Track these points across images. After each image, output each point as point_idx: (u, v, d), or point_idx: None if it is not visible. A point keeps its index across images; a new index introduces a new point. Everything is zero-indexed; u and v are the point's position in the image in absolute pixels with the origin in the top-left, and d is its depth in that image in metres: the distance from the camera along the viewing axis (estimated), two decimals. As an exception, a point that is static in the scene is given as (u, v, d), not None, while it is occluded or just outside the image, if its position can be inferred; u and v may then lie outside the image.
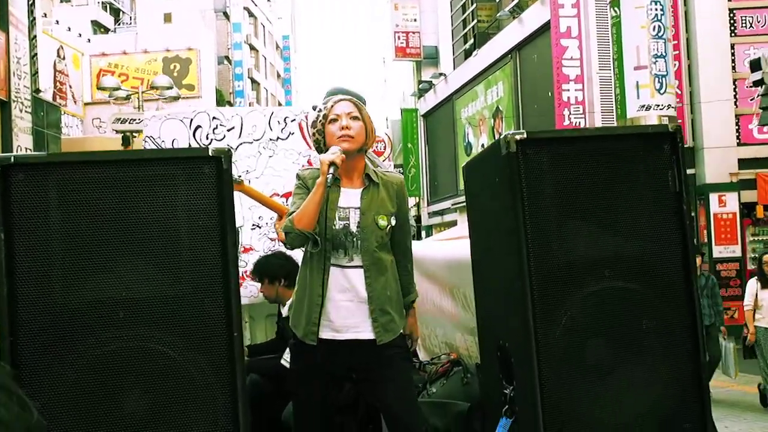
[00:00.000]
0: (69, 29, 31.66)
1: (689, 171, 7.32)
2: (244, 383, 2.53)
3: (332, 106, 3.32)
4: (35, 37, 18.68)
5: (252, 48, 51.25)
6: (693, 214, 13.18)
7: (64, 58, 29.51)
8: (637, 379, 2.85)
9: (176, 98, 22.63)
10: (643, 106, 5.78)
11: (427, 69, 27.16)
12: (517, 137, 2.80)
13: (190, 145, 5.42)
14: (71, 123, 29.83)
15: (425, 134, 27.59)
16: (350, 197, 3.28)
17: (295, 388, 3.44)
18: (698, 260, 8.94)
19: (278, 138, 5.55)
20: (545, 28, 16.13)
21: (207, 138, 5.45)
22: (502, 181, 2.88)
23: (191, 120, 5.47)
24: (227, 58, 45.45)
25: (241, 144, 5.49)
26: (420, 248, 5.85)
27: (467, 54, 23.05)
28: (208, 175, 2.55)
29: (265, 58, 55.56)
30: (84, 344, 2.40)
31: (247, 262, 5.32)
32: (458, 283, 4.62)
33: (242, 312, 5.45)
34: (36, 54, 18.54)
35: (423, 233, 26.60)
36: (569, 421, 2.77)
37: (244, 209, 5.33)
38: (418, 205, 29.04)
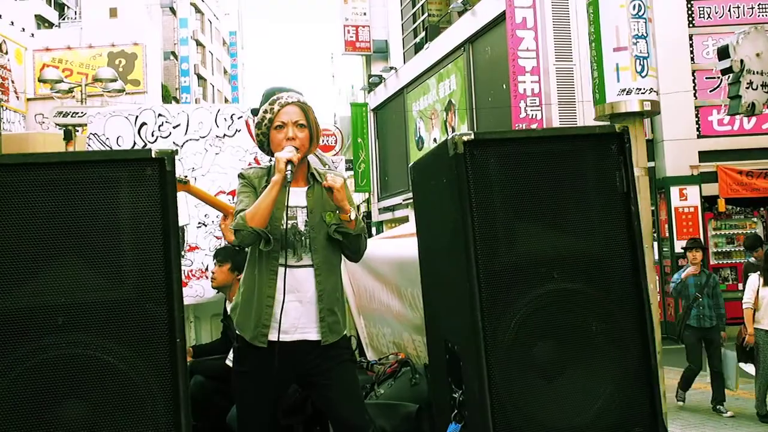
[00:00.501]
0: (12, 23, 31.16)
1: (649, 164, 7.14)
2: (187, 389, 2.48)
3: (279, 111, 3.27)
4: None
5: (199, 44, 50.99)
6: (653, 208, 13.20)
7: (6, 53, 29.08)
8: (588, 381, 2.86)
9: (121, 91, 22.21)
10: (624, 90, 5.59)
11: (377, 63, 27.10)
12: (465, 138, 2.80)
13: (134, 143, 5.32)
14: (13, 119, 29.50)
15: (375, 129, 27.41)
16: (296, 196, 3.25)
17: (241, 391, 3.38)
18: (699, 255, 8.43)
19: (225, 135, 5.49)
20: (499, 19, 16.02)
21: (152, 135, 5.36)
22: (449, 181, 2.86)
23: (136, 117, 5.38)
24: (173, 53, 45.13)
25: (187, 141, 5.41)
26: (368, 247, 5.83)
27: (417, 48, 23.01)
28: (150, 177, 2.49)
29: (212, 54, 55.28)
30: (20, 351, 2.32)
31: (192, 261, 5.25)
32: (405, 282, 4.62)
33: (187, 312, 5.43)
34: None
35: (374, 229, 26.57)
36: (519, 426, 2.77)
37: (190, 207, 5.26)
38: (368, 200, 29.03)
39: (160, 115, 5.38)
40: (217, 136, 5.44)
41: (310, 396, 3.79)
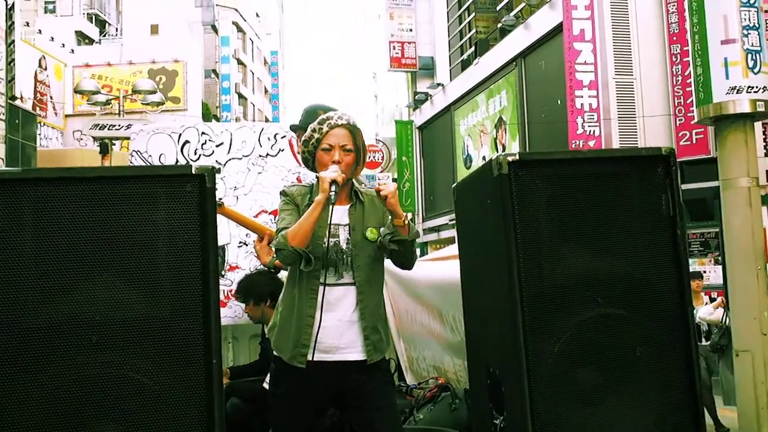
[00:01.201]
0: (52, 39, 31.27)
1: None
2: (222, 413, 2.44)
3: (327, 132, 3.25)
4: (13, 42, 18.11)
5: (240, 63, 51.16)
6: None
7: (45, 69, 29.18)
8: (631, 408, 2.78)
9: (160, 104, 22.12)
10: (734, 88, 5.00)
11: (423, 80, 26.54)
12: (510, 159, 2.75)
13: (177, 161, 5.35)
14: (51, 135, 29.53)
15: (421, 147, 26.69)
16: (339, 214, 3.22)
17: (277, 414, 3.34)
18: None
19: (268, 154, 5.50)
20: (555, 32, 15.46)
21: (195, 153, 5.38)
22: (493, 202, 2.81)
23: (179, 135, 5.41)
24: (214, 71, 45.21)
25: (230, 160, 5.43)
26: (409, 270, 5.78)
27: (465, 65, 22.48)
28: (190, 193, 2.48)
29: (253, 74, 55.49)
30: (54, 369, 2.31)
31: (232, 281, 5.24)
32: (447, 305, 4.56)
33: (226, 332, 5.42)
34: (13, 60, 18.03)
35: (418, 251, 26.23)
36: (561, 453, 2.70)
37: (231, 226, 5.25)
38: (412, 221, 28.88)
39: (203, 133, 5.41)
40: (260, 156, 5.45)
41: (349, 417, 3.74)
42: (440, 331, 4.88)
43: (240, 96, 50.55)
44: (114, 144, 19.38)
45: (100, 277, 2.40)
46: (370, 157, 25.75)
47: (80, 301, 2.36)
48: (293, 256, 3.10)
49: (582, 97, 13.80)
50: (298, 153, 3.44)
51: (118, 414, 2.34)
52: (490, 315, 3.00)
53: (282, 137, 5.47)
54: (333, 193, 3.06)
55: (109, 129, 18.99)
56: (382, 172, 26.13)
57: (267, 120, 58.66)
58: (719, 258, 12.68)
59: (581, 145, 12.95)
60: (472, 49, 21.71)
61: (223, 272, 5.21)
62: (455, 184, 3.49)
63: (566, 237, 2.81)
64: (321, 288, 3.15)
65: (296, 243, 3.06)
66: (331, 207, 3.08)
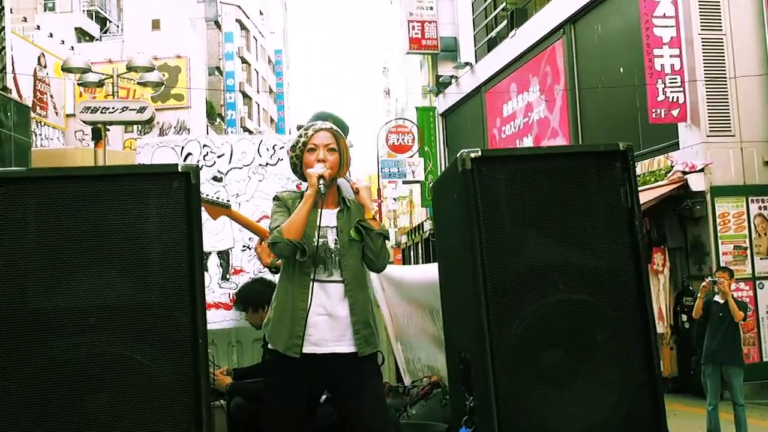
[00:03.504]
0: (51, 35, 30.36)
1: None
2: (208, 388, 2.72)
3: (312, 135, 3.56)
4: (3, 29, 16.70)
5: (244, 61, 50.40)
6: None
7: (45, 66, 28.23)
8: (592, 389, 3.01)
9: (159, 85, 20.11)
10: None
11: (444, 64, 24.29)
12: (473, 155, 3.02)
13: (181, 173, 5.67)
14: (52, 135, 28.86)
15: (445, 135, 24.57)
16: (326, 217, 3.51)
17: (269, 405, 3.60)
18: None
19: (267, 164, 5.79)
20: None
21: (197, 164, 5.69)
22: (459, 197, 3.08)
23: (182, 148, 5.72)
24: (218, 68, 44.51)
25: (231, 169, 5.73)
26: (402, 272, 6.06)
27: (491, 44, 20.44)
28: (177, 189, 2.76)
29: (257, 73, 54.65)
30: (56, 348, 2.60)
31: (237, 284, 5.52)
32: (436, 305, 4.81)
33: (230, 336, 5.69)
34: (3, 48, 16.68)
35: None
36: (524, 429, 2.94)
37: (235, 231, 5.54)
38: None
39: (204, 145, 5.72)
40: (260, 165, 5.75)
41: (338, 408, 4.00)
42: (433, 331, 5.14)
43: (245, 95, 49.89)
44: (108, 129, 17.37)
45: (97, 266, 2.69)
46: (399, 140, 24.70)
47: (79, 286, 2.65)
48: (289, 248, 3.38)
49: (662, 56, 11.86)
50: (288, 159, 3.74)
51: (114, 387, 2.62)
52: (461, 304, 3.25)
53: (281, 148, 5.77)
54: (322, 185, 3.36)
55: (102, 112, 16.74)
56: (412, 156, 24.70)
57: (272, 121, 57.93)
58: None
59: (663, 115, 11.75)
60: (504, 22, 19.70)
61: (227, 275, 5.51)
62: (433, 182, 3.77)
63: (528, 228, 3.05)
64: (312, 284, 3.44)
65: (290, 236, 3.36)
66: (320, 210, 3.38)
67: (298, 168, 3.65)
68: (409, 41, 23.88)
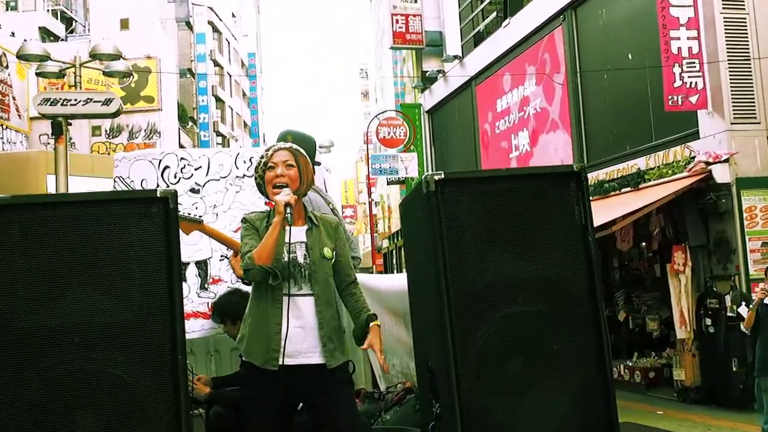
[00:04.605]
0: (13, 34, 29.37)
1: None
2: (188, 401, 2.94)
3: (271, 155, 3.80)
4: None
5: (216, 64, 49.97)
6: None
7: (7, 67, 27.68)
8: (550, 395, 3.25)
9: (127, 75, 19.02)
10: None
11: (428, 61, 23.74)
12: (436, 177, 3.26)
13: (158, 185, 5.85)
14: (15, 139, 28.26)
15: (431, 133, 23.68)
16: (295, 234, 3.74)
17: (248, 414, 3.83)
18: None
19: (244, 175, 6.00)
20: None
21: (175, 177, 5.88)
22: (424, 215, 3.32)
23: (159, 161, 5.92)
24: (190, 71, 43.96)
25: (208, 181, 5.93)
26: (377, 280, 6.28)
27: (478, 39, 19.90)
28: (156, 213, 2.98)
29: (230, 76, 54.29)
30: (43, 364, 2.80)
31: (215, 293, 5.72)
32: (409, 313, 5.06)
33: (208, 345, 5.89)
34: None
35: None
36: (486, 432, 3.19)
37: (212, 241, 5.75)
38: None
39: (182, 158, 5.92)
40: (237, 176, 5.96)
41: (313, 417, 4.23)
42: (406, 338, 5.37)
43: (218, 99, 49.58)
44: (70, 123, 15.91)
45: (80, 287, 2.89)
46: (390, 134, 23.49)
47: (64, 307, 2.86)
48: (261, 274, 3.61)
49: (679, 39, 11.11)
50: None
51: (97, 403, 2.83)
52: (428, 316, 3.49)
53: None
54: (289, 214, 3.59)
55: (63, 104, 15.01)
56: (405, 150, 23.65)
57: (246, 125, 57.26)
58: None
59: (680, 102, 11.04)
60: (494, 14, 19.03)
61: (206, 285, 5.72)
62: (401, 202, 4.02)
63: (489, 245, 3.30)
64: (285, 299, 3.68)
65: (262, 262, 3.58)
66: (288, 227, 3.61)
67: (262, 187, 3.87)
68: (393, 35, 23.36)
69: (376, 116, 26.71)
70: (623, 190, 12.18)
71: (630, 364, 12.42)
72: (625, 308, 13.26)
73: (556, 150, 15.47)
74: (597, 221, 9.80)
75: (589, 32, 14.52)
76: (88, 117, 18.01)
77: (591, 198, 9.75)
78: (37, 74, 18.26)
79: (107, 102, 15.36)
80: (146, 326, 2.94)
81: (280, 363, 3.63)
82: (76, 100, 15.08)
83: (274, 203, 3.75)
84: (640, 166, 12.06)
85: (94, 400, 2.84)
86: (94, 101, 15.27)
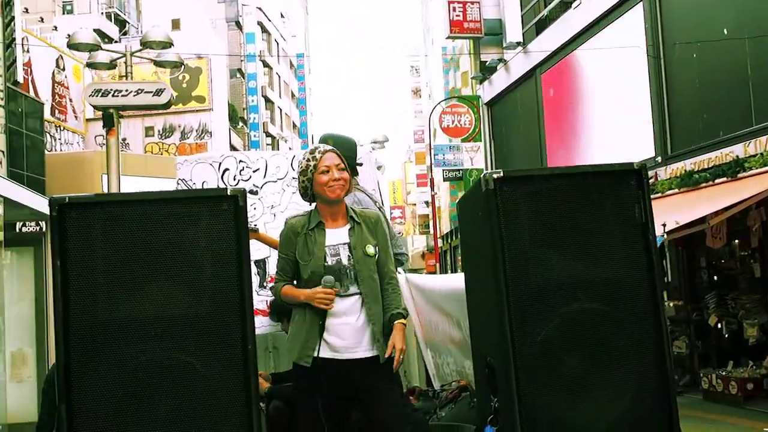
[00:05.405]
0: (68, 37, 30.53)
1: None
2: (257, 387, 3.10)
3: (321, 157, 3.95)
4: (13, 19, 15.92)
5: (266, 65, 50.51)
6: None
7: (63, 69, 28.16)
8: (609, 391, 3.34)
9: (178, 65, 18.19)
10: None
11: (486, 50, 22.74)
12: (495, 176, 3.38)
13: (218, 186, 6.11)
14: (72, 140, 28.74)
15: (491, 127, 22.40)
16: (338, 235, 3.92)
17: (302, 407, 4.01)
18: None
19: None
20: None
21: (234, 179, 6.11)
22: (483, 214, 3.44)
23: (219, 163, 6.16)
24: (240, 71, 44.64)
25: (266, 183, 6.15)
26: (430, 281, 6.43)
27: (540, 26, 18.83)
28: (226, 211, 3.15)
29: (279, 76, 54.81)
30: (123, 353, 3.00)
31: None
32: (462, 313, 5.17)
33: (266, 342, 6.09)
34: (14, 41, 16.02)
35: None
36: (545, 428, 3.29)
37: None
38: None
39: (241, 161, 6.15)
40: (293, 178, 6.16)
41: (360, 409, 4.39)
42: (459, 337, 5.50)
43: (267, 100, 50.00)
44: (122, 116, 15.68)
45: (157, 281, 3.09)
46: (454, 123, 22.32)
47: (142, 300, 3.05)
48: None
49: None
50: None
51: (173, 389, 3.01)
52: (486, 313, 3.61)
53: None
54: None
55: (114, 95, 14.75)
56: (470, 140, 22.43)
57: (295, 126, 57.79)
58: None
59: None
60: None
61: (264, 283, 5.93)
62: (458, 200, 4.14)
63: (548, 243, 3.40)
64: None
65: (287, 301, 3.95)
66: (325, 229, 3.89)
67: (309, 190, 4.00)
68: (450, 24, 22.17)
69: (439, 103, 25.75)
70: (717, 181, 11.17)
71: (723, 373, 11.30)
72: (717, 312, 12.08)
73: (633, 140, 14.28)
74: (687, 217, 9.82)
75: (675, 7, 13.41)
76: (139, 108, 17.97)
77: (678, 190, 9.58)
78: (88, 65, 17.91)
79: (158, 92, 15.18)
80: (218, 318, 3.11)
81: (323, 356, 3.79)
82: (127, 90, 14.90)
83: (326, 201, 3.92)
84: (737, 153, 11.05)
85: (171, 388, 3.03)
86: (146, 92, 15.10)
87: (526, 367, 3.29)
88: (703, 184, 11.49)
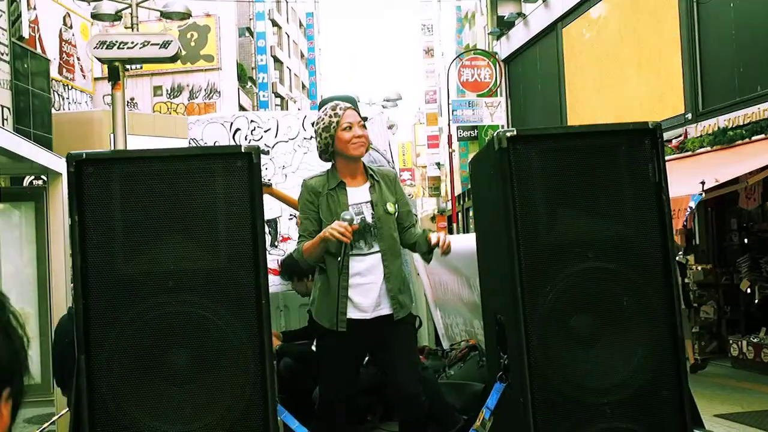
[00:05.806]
0: None
1: None
2: (271, 344, 3.17)
3: (343, 114, 3.98)
4: None
5: (275, 24, 49.79)
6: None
7: (71, 27, 27.63)
8: (618, 349, 3.40)
9: (185, 16, 17.85)
10: None
11: (504, 5, 22.13)
12: (508, 134, 3.41)
13: (229, 145, 6.18)
14: (80, 99, 28.44)
15: (508, 85, 21.87)
16: (359, 194, 3.97)
17: (323, 365, 4.10)
18: None
19: (312, 137, 6.25)
20: None
21: (246, 139, 6.17)
22: (495, 172, 3.47)
23: (231, 123, 6.20)
24: (249, 29, 43.95)
25: (277, 143, 6.19)
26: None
27: None
28: (241, 168, 3.20)
29: (288, 36, 54.08)
30: (140, 307, 3.07)
31: (285, 251, 6.00)
32: (474, 273, 5.23)
33: (277, 301, 6.18)
34: None
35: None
36: (553, 385, 3.35)
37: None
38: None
39: (252, 121, 6.19)
40: (304, 138, 6.20)
41: (375, 363, 4.48)
42: (469, 298, 5.57)
43: (276, 60, 49.47)
44: (127, 69, 15.33)
45: (172, 236, 3.14)
46: (475, 74, 21.55)
47: (158, 254, 3.11)
48: (308, 265, 4.05)
49: None
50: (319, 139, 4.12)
51: (190, 342, 3.09)
52: (497, 271, 3.66)
53: None
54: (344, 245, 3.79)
55: (119, 47, 14.27)
56: (490, 95, 21.67)
57: (304, 87, 57.37)
58: None
59: None
60: None
61: (276, 243, 6.00)
62: (471, 158, 4.17)
63: (560, 202, 3.43)
64: (353, 259, 3.90)
65: (310, 260, 3.94)
66: (345, 188, 3.95)
67: (330, 148, 4.03)
68: None
69: (458, 56, 24.91)
70: (754, 138, 10.90)
71: (756, 340, 10.96)
72: (750, 276, 11.53)
73: (660, 97, 14.10)
74: (726, 175, 9.65)
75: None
76: (145, 61, 17.49)
77: (711, 148, 9.54)
78: (93, 16, 17.29)
79: (165, 45, 14.75)
80: (232, 273, 3.17)
81: (352, 317, 3.86)
82: (133, 42, 14.45)
83: (350, 158, 3.95)
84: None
85: (188, 341, 3.10)
86: (152, 44, 14.67)
87: (536, 325, 3.34)
88: (739, 142, 11.20)
